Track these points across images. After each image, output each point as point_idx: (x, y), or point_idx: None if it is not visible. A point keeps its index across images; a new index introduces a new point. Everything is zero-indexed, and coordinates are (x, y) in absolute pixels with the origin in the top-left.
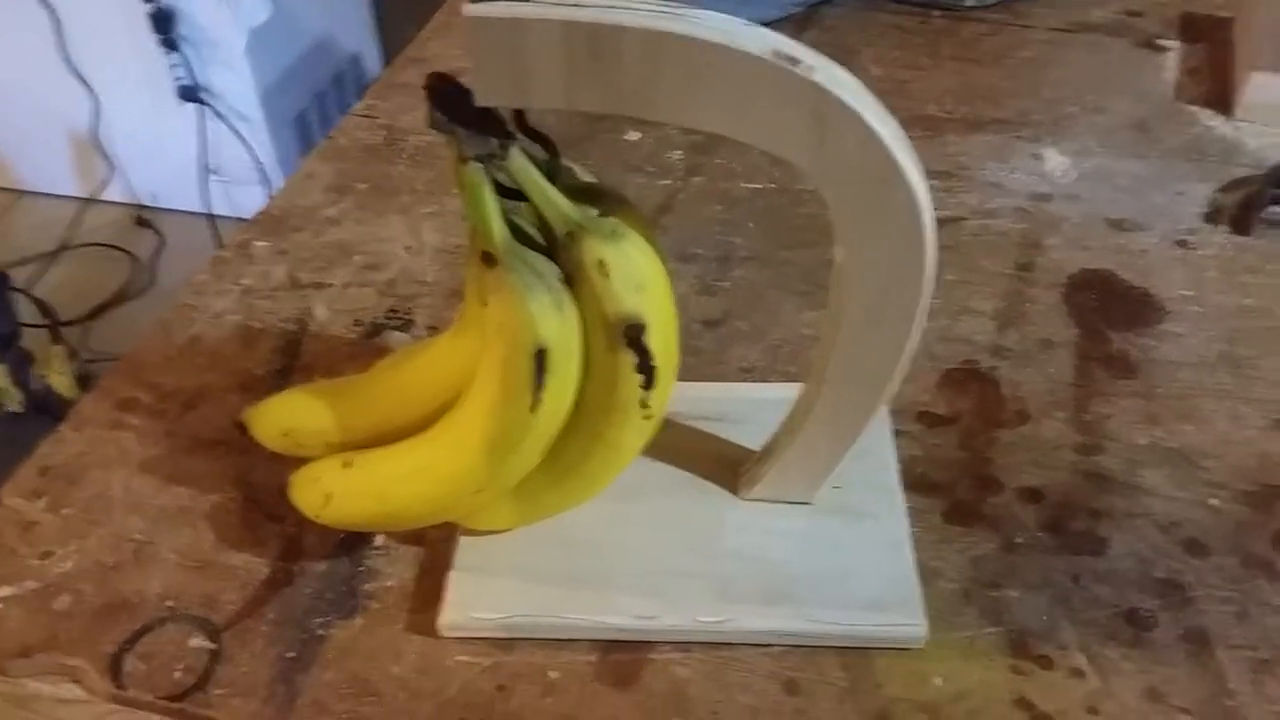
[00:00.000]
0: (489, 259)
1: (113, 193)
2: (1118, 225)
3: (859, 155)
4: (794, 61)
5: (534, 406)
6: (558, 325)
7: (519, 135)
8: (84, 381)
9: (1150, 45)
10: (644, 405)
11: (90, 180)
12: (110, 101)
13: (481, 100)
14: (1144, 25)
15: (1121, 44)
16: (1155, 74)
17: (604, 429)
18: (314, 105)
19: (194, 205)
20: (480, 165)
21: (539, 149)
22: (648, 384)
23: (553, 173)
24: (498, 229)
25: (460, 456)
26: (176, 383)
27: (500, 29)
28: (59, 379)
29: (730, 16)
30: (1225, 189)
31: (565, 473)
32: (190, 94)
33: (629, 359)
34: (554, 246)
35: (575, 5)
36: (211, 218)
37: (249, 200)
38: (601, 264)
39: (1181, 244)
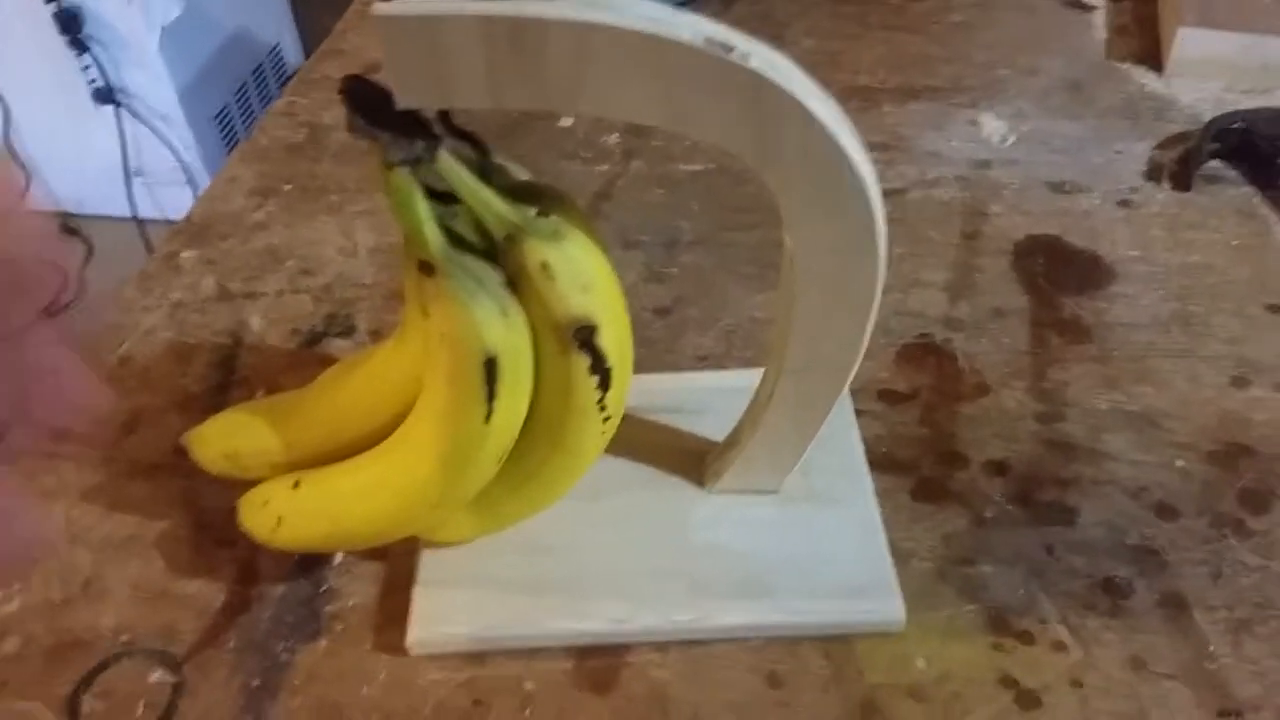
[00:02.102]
0: (426, 267)
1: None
2: (1059, 188)
3: (801, 142)
4: (728, 48)
5: (487, 417)
6: (505, 332)
7: (446, 135)
8: None
9: (1077, 5)
10: (601, 407)
11: None
12: (21, 107)
13: (402, 102)
14: None
15: (1049, 4)
16: (1084, 33)
17: (562, 435)
18: (235, 100)
19: (120, 210)
20: (407, 170)
21: (469, 148)
22: (603, 385)
23: (485, 172)
24: (432, 236)
25: (415, 471)
26: (110, 406)
27: (414, 27)
28: None
29: (658, 3)
30: (1163, 146)
31: (525, 480)
32: (105, 95)
33: (582, 362)
34: (493, 249)
35: None
36: (139, 221)
37: (176, 201)
38: (545, 266)
39: (1124, 204)
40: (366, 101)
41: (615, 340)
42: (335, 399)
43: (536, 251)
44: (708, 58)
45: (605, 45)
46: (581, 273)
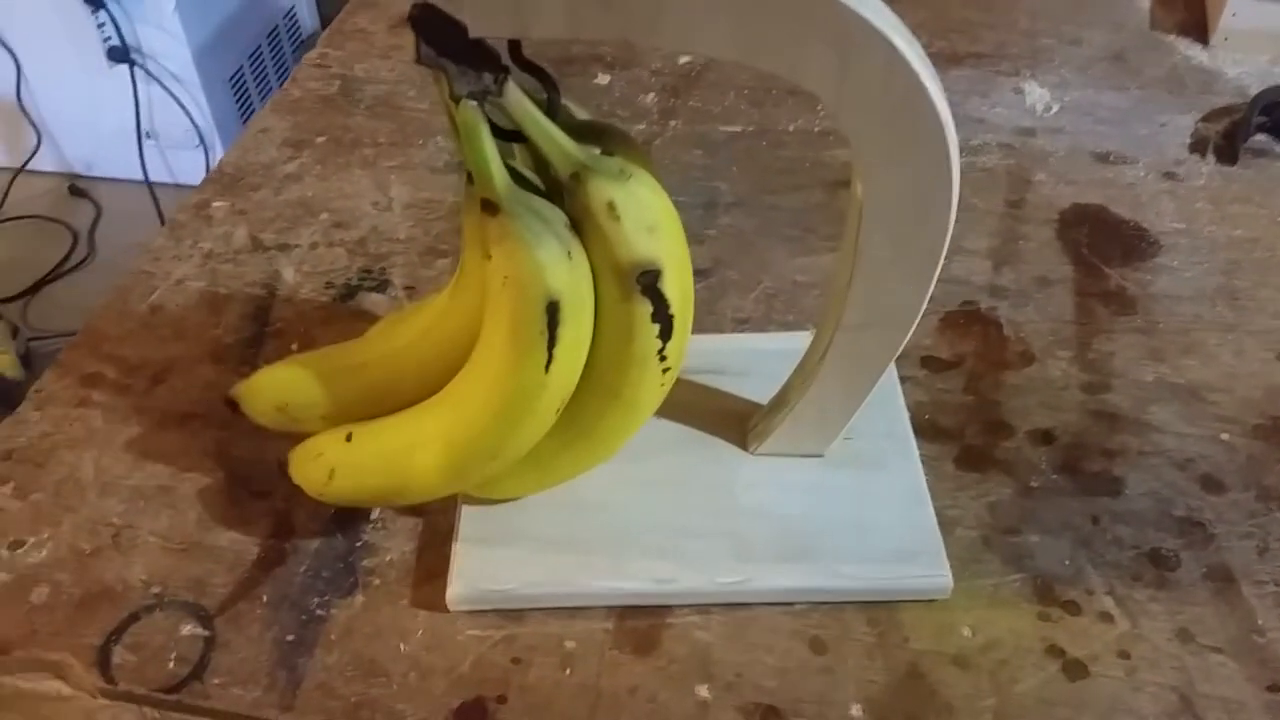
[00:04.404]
0: (490, 207)
1: (43, 162)
2: (1104, 158)
3: (885, 82)
4: None
5: (547, 365)
6: (568, 275)
7: (514, 68)
8: (28, 360)
9: None
10: (662, 357)
11: (18, 150)
12: (34, 65)
13: (476, 31)
14: None
15: None
16: (1128, 3)
17: (621, 386)
18: (249, 64)
19: (131, 172)
20: (475, 103)
21: (536, 84)
22: (665, 334)
23: (551, 109)
24: (498, 173)
25: (472, 423)
26: (141, 355)
27: None
28: (2, 358)
29: None
30: (1208, 119)
31: (580, 434)
32: (120, 55)
33: (644, 308)
34: (554, 190)
35: None
36: (149, 184)
37: (187, 165)
38: (611, 206)
39: (1169, 176)
40: (435, 30)
41: (679, 287)
42: (389, 351)
43: (603, 190)
44: None
45: None
46: (648, 214)
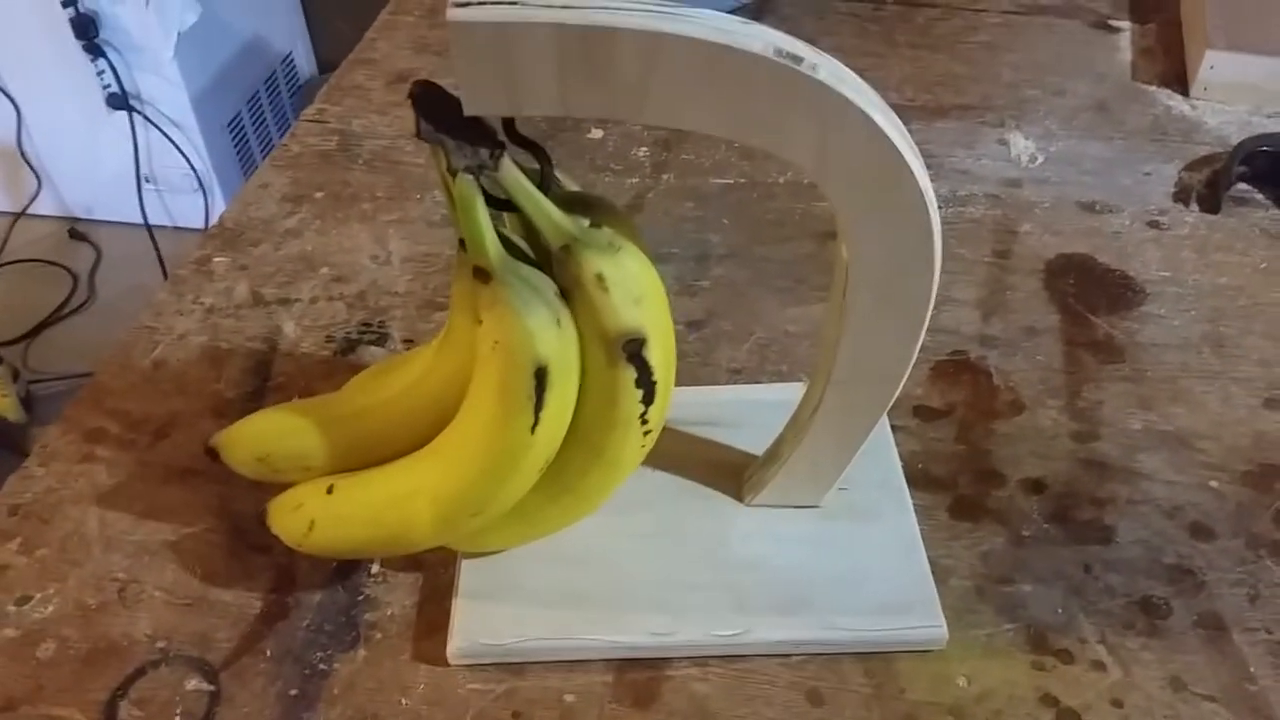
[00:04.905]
0: (483, 274)
1: (43, 206)
2: (1089, 208)
3: (865, 154)
4: (797, 59)
5: (533, 427)
6: (557, 342)
7: (509, 143)
8: (28, 403)
9: (1103, 26)
10: (644, 420)
11: (18, 194)
12: (35, 112)
13: (470, 109)
14: (1095, 6)
15: (1074, 25)
16: (1110, 55)
17: (603, 446)
18: (247, 109)
19: (130, 216)
20: (471, 177)
21: (529, 156)
22: (647, 399)
23: (544, 182)
24: (492, 244)
25: (457, 479)
26: (144, 410)
27: (488, 34)
28: (2, 401)
29: (727, 15)
30: (1190, 168)
31: (563, 491)
32: (119, 101)
33: (629, 374)
34: (544, 258)
35: (565, 6)
36: (149, 228)
37: (186, 209)
38: (600, 278)
39: (1154, 225)
40: (434, 107)
41: (662, 354)
42: (372, 404)
43: (592, 263)
44: (777, 68)
45: (675, 54)
46: (634, 285)
